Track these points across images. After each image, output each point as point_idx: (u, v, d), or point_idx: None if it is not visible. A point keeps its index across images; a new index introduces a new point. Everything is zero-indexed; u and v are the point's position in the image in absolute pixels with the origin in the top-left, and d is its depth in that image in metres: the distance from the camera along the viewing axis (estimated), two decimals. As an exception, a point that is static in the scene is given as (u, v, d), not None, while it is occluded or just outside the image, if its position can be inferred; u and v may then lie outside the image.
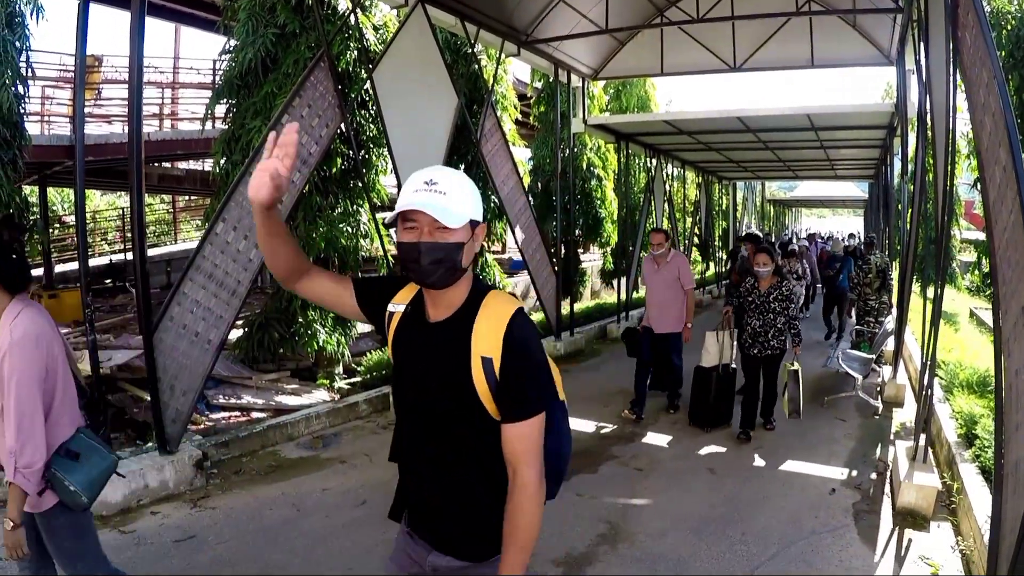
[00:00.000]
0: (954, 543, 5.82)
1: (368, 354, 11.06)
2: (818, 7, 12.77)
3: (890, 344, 11.10)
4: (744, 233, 19.34)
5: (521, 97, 19.34)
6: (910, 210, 9.81)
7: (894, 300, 12.34)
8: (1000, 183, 3.72)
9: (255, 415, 9.10)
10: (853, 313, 13.81)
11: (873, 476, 7.36)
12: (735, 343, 9.02)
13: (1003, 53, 7.87)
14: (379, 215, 10.33)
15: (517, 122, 17.31)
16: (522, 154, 20.59)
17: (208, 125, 12.54)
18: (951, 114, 5.83)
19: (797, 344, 8.47)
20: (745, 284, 8.66)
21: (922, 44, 7.59)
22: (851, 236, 22.43)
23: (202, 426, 8.48)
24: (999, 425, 3.77)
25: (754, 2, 13.07)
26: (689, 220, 27.01)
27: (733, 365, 9.01)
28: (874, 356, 10.69)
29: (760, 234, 13.90)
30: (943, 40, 5.55)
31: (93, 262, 21.57)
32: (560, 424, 2.51)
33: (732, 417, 8.90)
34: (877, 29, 12.89)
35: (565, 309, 14.21)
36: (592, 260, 24.48)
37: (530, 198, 15.12)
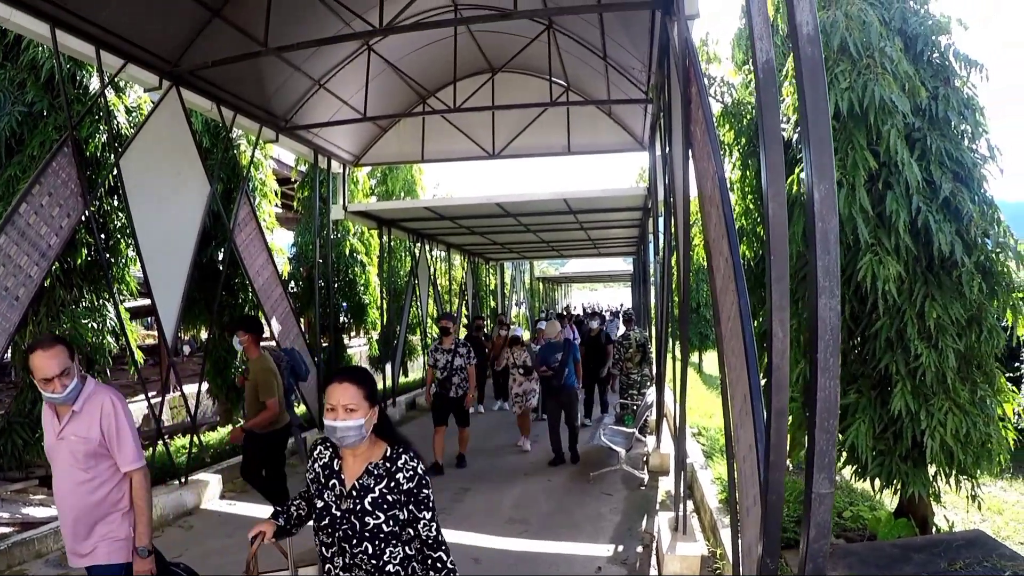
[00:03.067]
0: (719, 609, 5.99)
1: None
2: (575, 97, 13.36)
3: (653, 415, 11.37)
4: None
5: (285, 180, 19.08)
6: (663, 288, 10.23)
7: (654, 371, 12.83)
8: (724, 274, 3.92)
9: (0, 530, 8.32)
10: (617, 387, 14.09)
11: (639, 549, 7.49)
12: None
13: (744, 140, 8.38)
14: (127, 306, 9.85)
15: (281, 206, 17.02)
16: (285, 239, 20.23)
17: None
18: (687, 200, 6.18)
19: None
20: (317, 460, 3.66)
21: (667, 133, 8.02)
22: (593, 315, 19.34)
23: (-59, 547, 7.68)
24: (733, 508, 3.92)
25: (513, 91, 13.61)
26: (457, 301, 27.25)
27: None
28: (636, 428, 10.98)
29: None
30: (681, 132, 5.87)
31: None
32: None
33: None
34: (631, 117, 13.65)
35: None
36: (360, 346, 24.20)
37: (291, 286, 14.80)
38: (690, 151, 5.44)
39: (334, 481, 3.54)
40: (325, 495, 3.54)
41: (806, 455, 2.66)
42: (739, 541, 3.81)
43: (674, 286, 8.66)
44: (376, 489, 3.42)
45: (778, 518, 2.86)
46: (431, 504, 3.43)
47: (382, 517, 3.37)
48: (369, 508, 3.37)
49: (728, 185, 4.11)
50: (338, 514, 3.44)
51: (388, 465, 3.45)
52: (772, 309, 2.91)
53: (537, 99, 12.99)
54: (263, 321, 11.57)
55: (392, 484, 3.41)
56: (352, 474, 3.50)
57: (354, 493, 3.43)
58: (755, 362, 3.28)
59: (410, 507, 3.38)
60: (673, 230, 7.82)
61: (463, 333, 19.59)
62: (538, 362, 12.02)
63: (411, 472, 3.40)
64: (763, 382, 3.45)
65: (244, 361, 8.03)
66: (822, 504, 2.59)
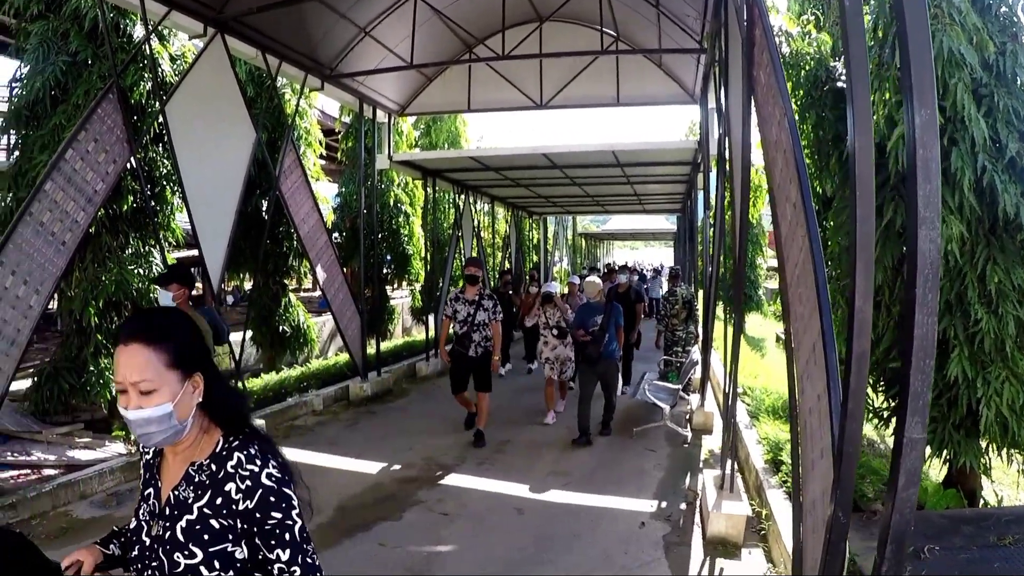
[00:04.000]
0: (766, 569, 5.88)
1: (166, 401, 10.40)
2: (625, 46, 13.08)
3: (697, 372, 11.28)
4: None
5: (329, 132, 19.01)
6: (712, 244, 10.05)
7: (700, 330, 12.64)
8: (791, 220, 3.76)
9: (46, 472, 8.39)
10: (661, 343, 13.82)
11: (683, 506, 7.39)
12: None
13: (801, 92, 8.15)
14: (173, 256, 9.84)
15: (325, 157, 16.96)
16: (329, 190, 20.20)
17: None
18: (747, 152, 5.98)
19: None
20: (144, 454, 2.35)
21: (723, 83, 7.80)
22: (623, 269, 17.57)
23: (-12, 487, 7.76)
24: (796, 462, 3.78)
25: (561, 40, 13.34)
26: (500, 255, 27.13)
27: None
28: (681, 385, 10.87)
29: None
30: (741, 79, 5.67)
31: None
32: None
33: None
34: (682, 69, 13.33)
35: (372, 348, 13.85)
36: (403, 297, 24.18)
37: (335, 236, 14.76)
38: (752, 98, 5.24)
39: (150, 490, 2.25)
40: (140, 511, 2.25)
41: (898, 398, 2.51)
42: (800, 498, 3.68)
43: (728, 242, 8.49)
44: (195, 508, 2.08)
45: (853, 469, 2.73)
46: (294, 536, 2.04)
47: (200, 555, 2.02)
48: (181, 538, 2.05)
49: (797, 128, 3.91)
50: (147, 542, 2.15)
51: (214, 468, 2.10)
52: (856, 249, 2.75)
53: (586, 48, 12.75)
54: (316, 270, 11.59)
55: (219, 500, 2.06)
56: (170, 481, 2.19)
57: (167, 511, 2.13)
58: (828, 306, 3.12)
59: (254, 540, 2.03)
60: (728, 184, 7.63)
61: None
62: (574, 325, 10.42)
63: (250, 482, 2.04)
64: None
65: None
66: (914, 450, 2.42)
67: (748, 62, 5.14)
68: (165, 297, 6.40)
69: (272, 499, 2.01)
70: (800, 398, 3.66)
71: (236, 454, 2.07)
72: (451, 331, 9.86)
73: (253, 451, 2.08)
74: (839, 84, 8.34)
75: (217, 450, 2.11)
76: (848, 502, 2.76)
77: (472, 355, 9.56)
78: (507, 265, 26.20)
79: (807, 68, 8.37)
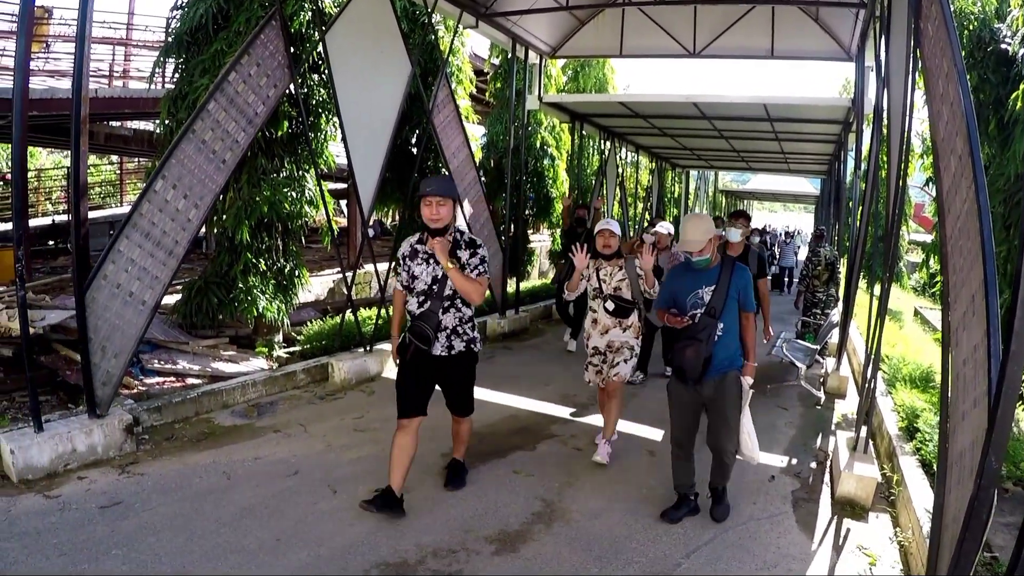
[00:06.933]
0: (892, 534, 5.82)
1: (309, 323, 10.84)
2: (783, -4, 12.80)
3: (835, 336, 11.11)
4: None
5: (478, 73, 19.19)
6: (861, 206, 9.82)
7: (841, 293, 12.42)
8: (955, 172, 3.70)
9: (190, 381, 8.92)
10: (800, 304, 13.62)
11: (813, 465, 7.35)
12: None
13: (964, 53, 7.85)
14: (326, 184, 10.12)
15: (473, 98, 17.16)
16: (476, 131, 20.44)
17: (157, 84, 12.21)
18: (908, 109, 5.82)
19: None
20: None
21: (883, 39, 7.58)
22: (738, 214, 10.16)
23: (135, 390, 8.28)
24: (944, 415, 3.75)
25: (717, -11, 13.10)
26: (640, 205, 26.92)
27: None
28: (818, 347, 10.72)
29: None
30: (904, 34, 5.52)
31: (35, 222, 20.97)
32: None
33: None
34: (838, 24, 12.95)
35: (511, 287, 14.09)
36: (541, 241, 24.23)
37: (481, 173, 14.98)
38: (917, 52, 5.11)
39: None
40: None
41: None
42: (948, 447, 3.65)
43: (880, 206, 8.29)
44: None
45: (1011, 412, 2.71)
46: None
47: None
48: None
49: (967, 79, 3.82)
50: None
51: None
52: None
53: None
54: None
55: None
56: None
57: None
58: (992, 254, 3.05)
59: None
60: (884, 146, 7.45)
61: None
62: (660, 303, 5.87)
63: None
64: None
65: None
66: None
67: (915, 14, 5.01)
68: None
69: None
70: (954, 351, 3.62)
71: None
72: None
73: None
74: (1003, 46, 8.04)
75: None
76: (1003, 447, 2.74)
77: (442, 354, 5.41)
78: (647, 217, 25.71)
79: (970, 28, 8.11)
